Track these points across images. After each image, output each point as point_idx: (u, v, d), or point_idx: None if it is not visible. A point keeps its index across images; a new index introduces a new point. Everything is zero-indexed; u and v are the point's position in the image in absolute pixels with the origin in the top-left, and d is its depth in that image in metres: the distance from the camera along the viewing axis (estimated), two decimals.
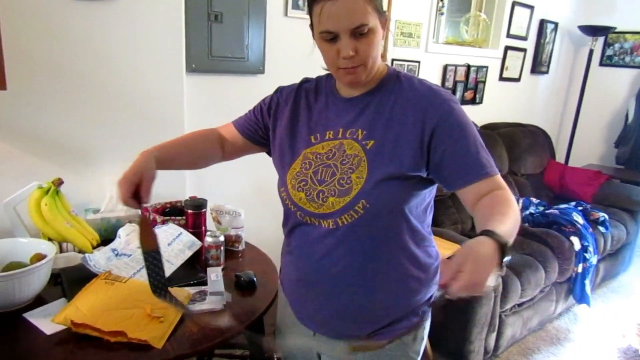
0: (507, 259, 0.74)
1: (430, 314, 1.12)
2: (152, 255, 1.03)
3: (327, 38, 0.91)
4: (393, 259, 1.01)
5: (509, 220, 0.82)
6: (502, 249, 0.73)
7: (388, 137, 0.96)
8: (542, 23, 3.74)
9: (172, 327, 1.15)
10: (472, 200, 0.92)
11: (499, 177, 0.94)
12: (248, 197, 2.28)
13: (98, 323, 1.11)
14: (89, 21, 1.61)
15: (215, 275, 1.40)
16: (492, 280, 0.71)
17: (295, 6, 2.18)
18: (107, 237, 1.59)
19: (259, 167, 2.26)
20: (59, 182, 1.38)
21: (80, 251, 1.45)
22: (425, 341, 1.12)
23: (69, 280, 1.31)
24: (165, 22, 1.76)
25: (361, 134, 0.98)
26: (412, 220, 0.99)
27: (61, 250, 1.46)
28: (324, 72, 1.11)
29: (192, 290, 1.33)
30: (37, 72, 1.56)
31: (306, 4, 0.98)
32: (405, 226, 0.99)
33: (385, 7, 0.97)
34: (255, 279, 1.42)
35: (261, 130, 1.19)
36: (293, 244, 1.11)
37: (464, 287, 0.69)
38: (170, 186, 1.91)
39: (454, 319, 2.20)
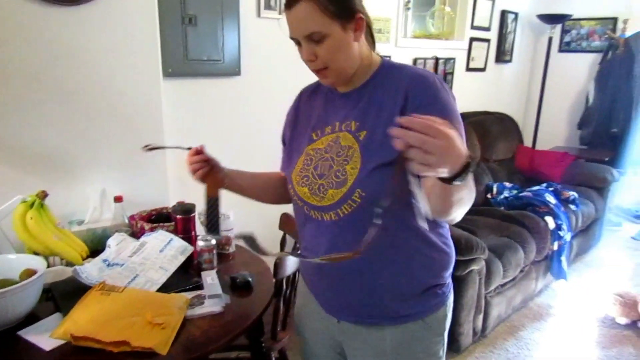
0: (465, 175, 0.70)
1: (452, 293, 1.13)
2: (212, 201, 1.22)
3: (295, 43, 0.99)
4: (399, 241, 1.01)
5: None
6: (467, 165, 0.69)
7: (379, 126, 0.97)
8: (504, 14, 3.86)
9: (175, 332, 1.15)
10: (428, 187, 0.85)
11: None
12: (233, 200, 2.26)
13: (99, 334, 1.09)
14: (64, 28, 1.57)
15: (211, 278, 1.40)
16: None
17: (268, 6, 2.18)
18: (93, 248, 1.55)
19: (240, 168, 2.26)
20: (43, 195, 1.35)
21: (68, 264, 1.42)
22: (449, 319, 1.12)
23: (61, 294, 1.28)
24: (140, 27, 1.74)
25: (354, 126, 1.01)
26: (413, 202, 0.99)
27: (48, 265, 1.43)
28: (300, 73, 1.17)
29: (189, 295, 1.32)
30: (11, 81, 1.52)
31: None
32: (407, 208, 0.94)
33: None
34: (250, 279, 1.42)
35: None
36: (305, 239, 1.13)
37: (422, 157, 0.63)
38: (153, 193, 1.90)
39: None
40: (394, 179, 0.82)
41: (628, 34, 3.80)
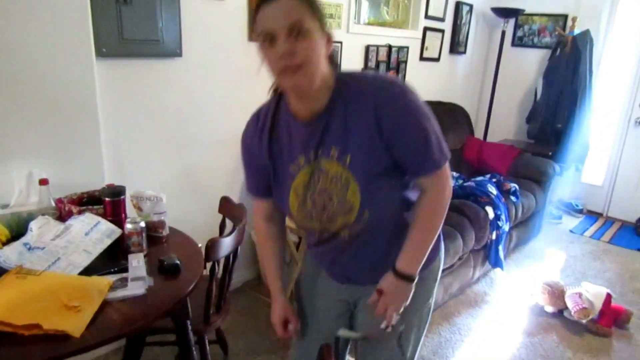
0: (414, 279, 1.11)
1: (442, 241, 1.28)
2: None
3: (266, 40, 0.92)
4: (398, 224, 1.13)
5: (420, 248, 1.11)
6: (408, 277, 1.10)
7: (360, 146, 1.00)
8: (458, 5, 3.92)
9: (90, 315, 1.14)
10: (420, 187, 1.11)
11: (443, 169, 1.06)
12: (171, 183, 2.25)
13: (11, 318, 1.08)
14: None
15: (136, 261, 1.40)
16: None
17: None
18: (19, 232, 1.51)
19: (180, 152, 2.25)
20: None
21: None
22: (437, 280, 1.28)
23: None
24: (69, 5, 1.68)
25: (336, 152, 1.03)
26: (409, 198, 1.12)
27: None
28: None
29: (113, 277, 1.32)
30: None
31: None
32: (405, 202, 1.11)
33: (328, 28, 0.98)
34: (179, 262, 1.43)
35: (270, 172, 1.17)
36: (319, 254, 1.26)
37: (393, 314, 1.11)
38: (87, 176, 1.86)
39: None
40: None
41: (576, 31, 3.94)
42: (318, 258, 1.29)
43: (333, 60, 1.05)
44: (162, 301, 1.27)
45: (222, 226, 2.01)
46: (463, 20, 4.04)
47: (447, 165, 1.07)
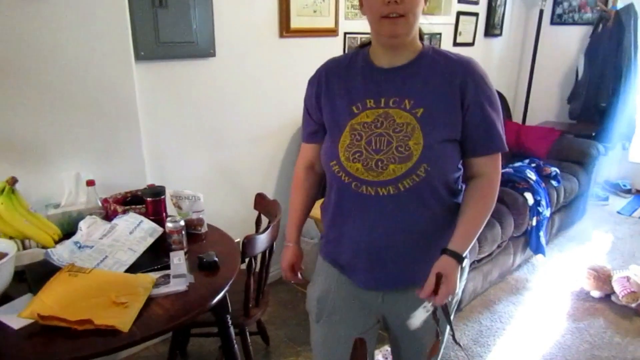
0: (466, 261, 1.10)
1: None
2: None
3: None
4: (438, 217, 1.11)
5: (472, 228, 1.08)
6: (461, 258, 1.05)
7: (436, 104, 1.04)
8: None
9: (137, 311, 1.21)
10: (470, 173, 1.12)
11: (499, 155, 1.10)
12: (207, 181, 2.32)
13: (65, 314, 1.16)
14: (32, 17, 1.59)
15: (177, 258, 1.46)
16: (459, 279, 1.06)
17: None
18: (69, 230, 1.61)
19: (215, 150, 2.32)
20: (13, 181, 1.40)
21: (44, 247, 1.48)
22: (464, 279, 1.23)
23: (34, 276, 1.35)
24: (109, 11, 1.75)
25: (408, 103, 1.05)
26: (456, 177, 1.12)
27: (24, 248, 1.49)
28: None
29: (155, 275, 1.38)
30: None
31: None
32: (451, 181, 1.11)
33: None
34: (217, 259, 1.48)
35: (323, 125, 1.19)
36: (347, 215, 1.14)
37: (442, 298, 1.02)
38: (130, 176, 1.95)
39: None
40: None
41: (619, 5, 3.74)
42: (337, 242, 1.19)
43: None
44: (202, 297, 1.33)
45: (258, 222, 2.06)
46: (498, 2, 3.91)
47: (500, 155, 1.11)
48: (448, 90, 1.04)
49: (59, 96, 1.71)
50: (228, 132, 2.35)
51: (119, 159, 1.92)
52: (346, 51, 2.78)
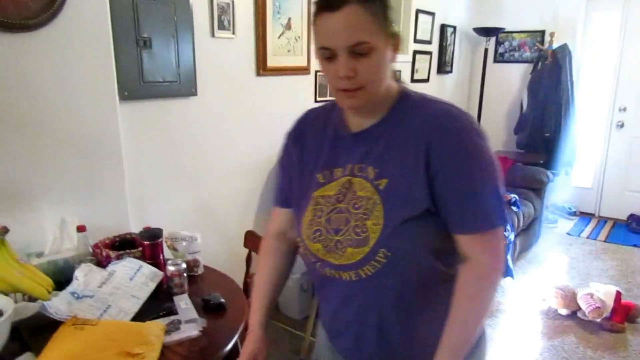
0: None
1: (486, 339, 1.05)
2: None
3: (325, 55, 0.84)
4: (426, 297, 0.91)
5: (461, 337, 0.88)
6: None
7: (401, 174, 0.86)
8: (443, 27, 4.09)
9: None
10: (460, 253, 0.88)
11: (493, 233, 0.87)
12: (188, 219, 2.26)
13: None
14: (14, 55, 1.52)
15: (184, 303, 1.41)
16: None
17: (221, 27, 2.21)
18: (55, 280, 1.50)
19: (195, 187, 2.28)
20: (4, 231, 1.31)
21: (31, 299, 1.38)
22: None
23: (29, 332, 1.25)
24: (94, 51, 1.71)
25: (372, 173, 0.89)
26: (443, 257, 0.89)
27: (15, 302, 1.37)
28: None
29: (163, 321, 1.33)
30: None
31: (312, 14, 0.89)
32: (436, 265, 0.89)
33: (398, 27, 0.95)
34: (223, 300, 1.44)
35: None
36: (321, 300, 1.04)
37: None
38: (114, 218, 1.87)
39: None
40: None
41: (555, 46, 4.13)
42: (322, 312, 1.07)
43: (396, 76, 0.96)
44: (216, 341, 1.28)
45: (249, 260, 2.02)
46: (448, 42, 4.20)
47: (500, 232, 0.88)
48: (412, 156, 0.85)
49: (39, 135, 1.63)
50: (208, 169, 2.33)
51: (103, 201, 1.84)
52: (317, 88, 2.86)
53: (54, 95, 1.64)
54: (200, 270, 1.69)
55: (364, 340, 0.96)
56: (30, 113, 1.60)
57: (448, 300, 0.89)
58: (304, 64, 2.73)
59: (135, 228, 1.83)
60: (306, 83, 2.80)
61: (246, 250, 2.01)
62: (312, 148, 1.00)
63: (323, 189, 0.95)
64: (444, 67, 4.24)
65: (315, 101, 2.86)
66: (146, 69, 1.91)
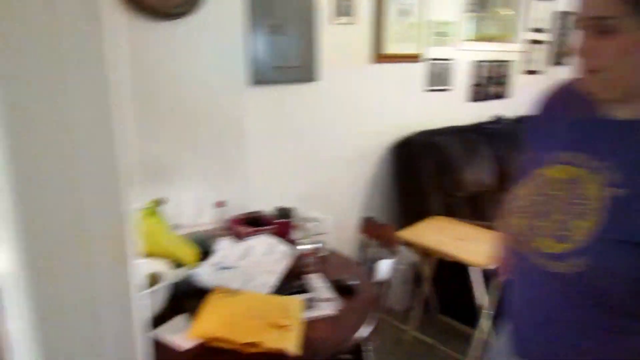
0: None
1: None
2: None
3: (576, 25, 0.75)
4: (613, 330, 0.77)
5: None
6: None
7: None
8: (563, 14, 3.80)
9: (300, 333, 1.18)
10: None
11: None
12: (306, 202, 2.31)
13: (232, 335, 1.13)
14: (165, 45, 1.64)
15: (320, 281, 1.43)
16: None
17: (341, 12, 2.22)
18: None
19: (311, 170, 2.32)
20: (161, 202, 1.41)
21: (178, 266, 1.47)
22: None
23: (184, 296, 1.33)
24: (228, 40, 1.80)
25: (608, 177, 0.75)
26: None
27: None
28: None
29: (300, 297, 1.36)
30: (124, 102, 1.59)
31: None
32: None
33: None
34: (353, 282, 1.45)
35: None
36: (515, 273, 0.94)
37: None
38: (238, 197, 1.95)
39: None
40: None
41: None
42: (514, 316, 0.94)
43: None
44: (353, 322, 1.28)
45: (365, 246, 2.02)
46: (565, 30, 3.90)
47: None
48: None
49: (185, 119, 1.75)
50: (325, 153, 2.37)
51: (229, 179, 1.94)
52: (430, 76, 2.79)
53: (191, 81, 1.75)
54: (326, 252, 1.71)
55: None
56: (175, 100, 1.72)
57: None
58: (415, 51, 2.67)
59: (254, 207, 1.90)
60: (417, 71, 2.75)
61: (360, 237, 2.01)
62: (550, 121, 0.90)
63: (551, 168, 0.84)
64: (560, 58, 3.94)
65: (426, 90, 2.79)
66: (276, 55, 1.97)
